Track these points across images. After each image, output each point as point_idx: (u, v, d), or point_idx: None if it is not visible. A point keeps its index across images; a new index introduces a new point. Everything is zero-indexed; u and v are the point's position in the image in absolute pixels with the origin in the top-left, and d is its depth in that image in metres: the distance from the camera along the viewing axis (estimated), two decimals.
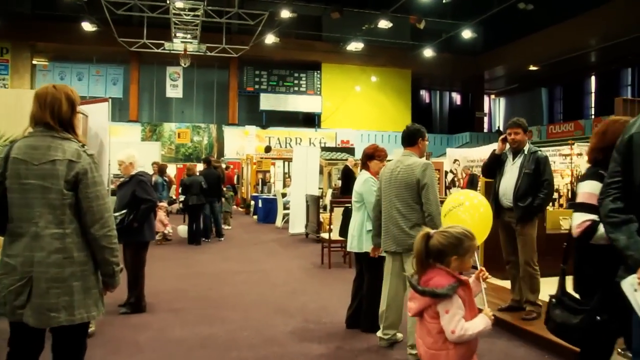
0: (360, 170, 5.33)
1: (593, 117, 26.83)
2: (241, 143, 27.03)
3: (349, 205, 5.53)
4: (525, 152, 5.23)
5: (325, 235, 8.67)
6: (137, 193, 5.54)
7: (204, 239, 11.54)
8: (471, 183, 14.52)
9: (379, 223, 4.60)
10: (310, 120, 28.63)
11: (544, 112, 30.42)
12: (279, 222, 14.24)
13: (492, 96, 33.44)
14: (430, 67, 28.70)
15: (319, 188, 13.85)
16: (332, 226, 8.42)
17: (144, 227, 5.58)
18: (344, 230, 5.81)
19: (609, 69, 26.90)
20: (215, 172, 11.95)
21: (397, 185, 4.38)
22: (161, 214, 10.79)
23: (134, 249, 5.67)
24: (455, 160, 16.48)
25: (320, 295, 6.62)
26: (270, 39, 24.37)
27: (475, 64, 29.58)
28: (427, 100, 32.99)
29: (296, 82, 28.23)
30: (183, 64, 21.70)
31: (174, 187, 19.81)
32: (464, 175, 14.86)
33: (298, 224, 12.71)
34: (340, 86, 28.48)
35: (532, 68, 27.50)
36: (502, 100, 34.01)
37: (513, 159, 5.30)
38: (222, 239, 11.74)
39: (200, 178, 11.15)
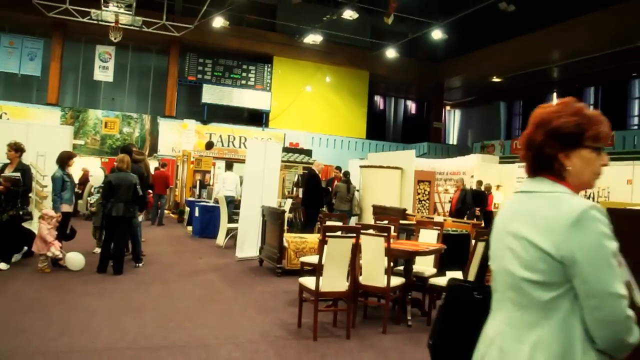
0: (530, 177, 1.69)
1: None
2: (178, 139, 22.84)
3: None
4: None
5: (307, 282, 5.02)
6: None
7: (137, 264, 7.78)
8: (463, 202, 11.32)
9: None
10: (257, 117, 24.75)
11: (501, 126, 28.01)
12: (220, 239, 10.39)
13: (448, 107, 30.80)
14: (389, 70, 25.64)
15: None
16: (322, 264, 4.83)
17: None
18: (451, 348, 1.99)
19: (572, 86, 24.76)
20: (138, 169, 8.04)
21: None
22: (44, 228, 6.81)
23: None
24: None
25: None
26: (218, 22, 20.52)
27: (436, 71, 26.81)
28: (382, 107, 29.91)
29: (244, 74, 24.32)
30: (113, 38, 17.42)
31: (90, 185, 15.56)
32: (455, 190, 11.62)
33: (248, 245, 9.00)
34: (293, 83, 24.85)
35: (495, 80, 24.99)
36: (458, 112, 31.46)
37: None
38: (141, 264, 7.84)
39: (134, 177, 7.29)
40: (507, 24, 22.78)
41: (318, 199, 10.58)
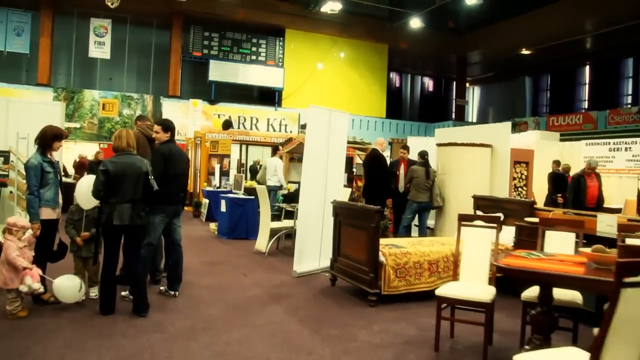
0: None
1: (585, 110, 21.99)
2: (184, 120, 19.96)
3: None
4: None
5: None
6: None
7: (170, 291, 5.08)
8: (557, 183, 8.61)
9: None
10: (268, 96, 21.83)
11: (526, 103, 25.30)
12: (262, 244, 7.64)
13: (467, 84, 28.00)
14: (409, 43, 22.76)
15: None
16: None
17: None
18: None
19: (608, 58, 22.07)
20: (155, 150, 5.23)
21: None
22: (12, 248, 4.04)
23: None
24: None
25: None
26: None
27: (458, 44, 23.98)
28: (398, 84, 27.07)
29: (254, 49, 21.37)
30: (110, 4, 14.46)
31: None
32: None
33: (310, 255, 6.30)
34: (307, 58, 21.94)
35: (523, 52, 22.24)
36: (477, 89, 28.67)
37: None
38: (176, 293, 5.11)
39: (144, 163, 4.43)
40: None
41: (385, 188, 7.87)
